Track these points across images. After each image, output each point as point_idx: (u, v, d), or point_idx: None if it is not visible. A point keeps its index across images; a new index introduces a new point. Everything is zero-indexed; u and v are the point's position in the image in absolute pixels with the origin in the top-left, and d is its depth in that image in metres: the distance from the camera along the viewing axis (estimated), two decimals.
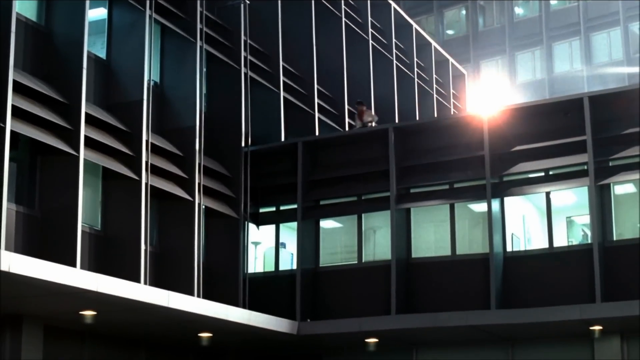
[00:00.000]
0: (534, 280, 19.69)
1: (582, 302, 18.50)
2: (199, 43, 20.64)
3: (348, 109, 26.62)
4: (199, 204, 20.04)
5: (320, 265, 21.92)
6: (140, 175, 18.45)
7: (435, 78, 33.09)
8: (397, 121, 28.76)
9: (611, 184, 19.39)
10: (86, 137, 17.42)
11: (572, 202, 21.25)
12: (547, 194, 20.09)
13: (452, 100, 34.27)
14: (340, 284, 21.56)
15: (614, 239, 19.19)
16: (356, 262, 21.70)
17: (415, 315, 18.94)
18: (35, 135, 16.56)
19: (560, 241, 20.95)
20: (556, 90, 44.67)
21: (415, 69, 31.45)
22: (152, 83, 19.59)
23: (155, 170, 19.06)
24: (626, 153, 19.01)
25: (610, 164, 19.41)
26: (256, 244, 22.41)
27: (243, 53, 22.14)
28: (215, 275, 20.56)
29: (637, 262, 18.62)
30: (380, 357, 20.86)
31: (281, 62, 23.76)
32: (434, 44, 33.45)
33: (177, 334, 19.20)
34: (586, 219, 21.76)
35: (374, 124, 23.49)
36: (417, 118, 30.41)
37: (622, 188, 19.88)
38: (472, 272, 20.26)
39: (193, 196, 19.88)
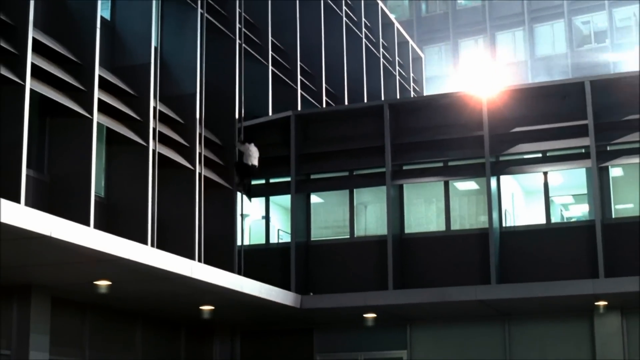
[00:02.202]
0: (530, 256, 20.00)
1: (580, 278, 18.92)
2: (199, 10, 20.14)
3: (325, 88, 26.41)
4: (200, 174, 19.59)
5: (312, 239, 21.78)
6: (147, 142, 17.90)
7: (398, 60, 33.12)
8: (365, 100, 28.73)
9: (609, 166, 19.81)
10: (98, 99, 16.80)
11: (553, 183, 21.59)
12: (545, 173, 20.40)
13: (412, 83, 34.38)
14: (332, 258, 21.47)
15: (613, 216, 19.63)
16: (348, 236, 21.62)
17: (423, 290, 18.96)
18: (51, 95, 15.86)
19: (540, 219, 21.43)
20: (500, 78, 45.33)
21: (381, 49, 31.42)
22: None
23: (160, 137, 18.53)
24: (627, 138, 19.51)
25: (609, 148, 19.86)
26: (244, 216, 22.06)
27: (238, 25, 21.71)
28: (210, 246, 20.11)
29: (634, 239, 19.12)
30: (373, 333, 20.85)
31: (270, 36, 23.41)
32: (396, 24, 33.45)
33: (176, 307, 18.78)
34: (565, 199, 22.23)
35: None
36: (382, 98, 30.39)
37: (617, 170, 20.33)
38: (467, 247, 20.46)
39: (194, 165, 19.42)
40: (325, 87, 26.47)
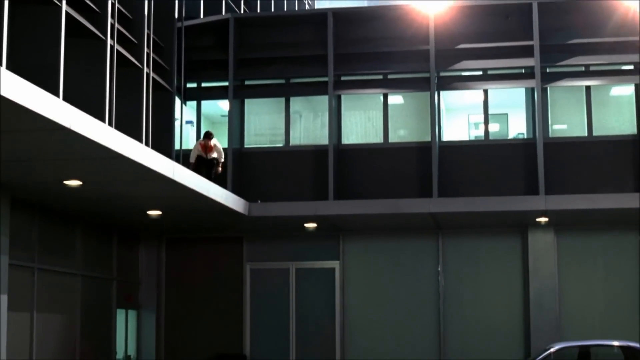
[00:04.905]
0: (467, 171, 20.51)
1: (518, 194, 19.66)
2: None
3: None
4: (148, 74, 18.73)
5: (245, 147, 21.41)
6: (106, 37, 16.85)
7: None
8: (273, 10, 28.17)
9: (548, 87, 20.48)
10: None
11: (471, 102, 22.14)
12: (485, 91, 20.85)
13: None
14: (266, 166, 21.18)
15: (550, 135, 20.40)
16: (283, 145, 21.40)
17: (376, 201, 18.95)
18: None
19: (462, 136, 22.05)
20: None
21: None
22: None
23: (112, 33, 17.50)
24: (571, 61, 20.27)
25: (548, 70, 20.51)
26: (180, 120, 21.34)
27: None
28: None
29: (570, 158, 20.00)
30: (305, 243, 20.91)
31: None
32: None
33: (122, 212, 18.10)
34: (481, 118, 22.81)
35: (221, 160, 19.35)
36: (285, 8, 29.92)
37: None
38: (405, 160, 20.71)
39: (142, 64, 18.52)
40: None
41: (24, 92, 10.68)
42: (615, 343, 16.34)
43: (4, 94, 10.17)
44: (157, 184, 15.24)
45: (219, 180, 20.04)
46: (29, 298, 16.56)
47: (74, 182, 14.96)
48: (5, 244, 15.12)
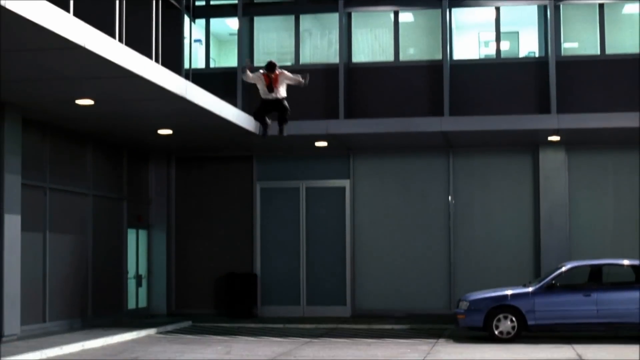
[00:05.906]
0: (480, 88, 20.33)
1: (529, 113, 19.53)
2: None
3: None
4: None
5: (255, 65, 21.12)
6: None
7: None
8: None
9: (560, 5, 20.18)
10: None
11: (481, 20, 21.81)
12: (497, 8, 20.57)
13: None
14: None
15: (562, 54, 20.18)
16: (293, 63, 21.18)
17: (389, 119, 18.87)
18: None
19: (472, 54, 21.78)
20: None
21: None
22: None
23: None
24: None
25: None
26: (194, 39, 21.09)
27: None
28: None
29: (582, 76, 19.82)
30: (315, 162, 20.87)
31: None
32: None
33: (133, 131, 18.03)
34: (492, 36, 22.55)
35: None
36: None
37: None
38: (416, 79, 20.52)
39: None
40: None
41: (38, 9, 10.50)
42: (626, 262, 16.38)
43: (17, 11, 10.00)
44: (169, 102, 15.16)
45: (229, 99, 19.99)
46: (41, 218, 16.61)
47: (86, 102, 14.88)
48: (17, 163, 15.11)
